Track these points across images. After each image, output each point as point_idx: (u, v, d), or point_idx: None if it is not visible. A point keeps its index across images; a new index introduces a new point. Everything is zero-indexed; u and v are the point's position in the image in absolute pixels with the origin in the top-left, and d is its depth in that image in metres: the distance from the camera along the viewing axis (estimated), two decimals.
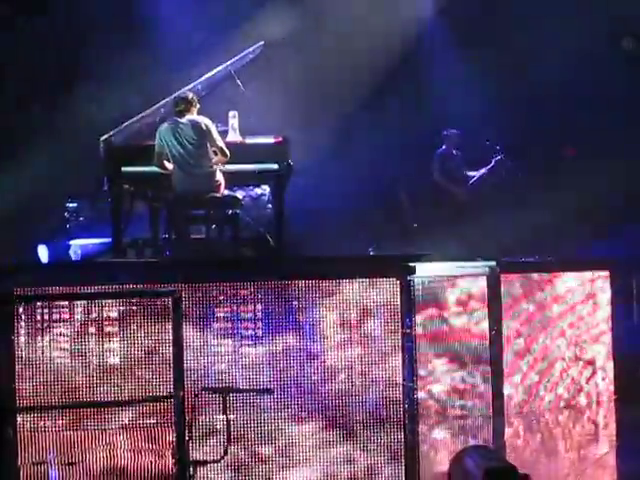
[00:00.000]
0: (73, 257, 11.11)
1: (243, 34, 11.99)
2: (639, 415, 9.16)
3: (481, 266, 9.86)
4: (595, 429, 9.17)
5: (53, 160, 11.83)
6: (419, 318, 8.05)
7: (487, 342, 9.45)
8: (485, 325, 9.36)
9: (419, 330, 8.19)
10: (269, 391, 7.04)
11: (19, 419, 6.87)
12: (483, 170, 13.03)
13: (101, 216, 11.50)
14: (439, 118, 13.41)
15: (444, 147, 13.10)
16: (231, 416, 6.74)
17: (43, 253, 11.53)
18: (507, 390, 9.38)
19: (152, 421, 7.00)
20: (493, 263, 9.74)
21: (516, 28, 13.50)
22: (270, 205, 10.45)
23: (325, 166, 12.43)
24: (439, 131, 13.18)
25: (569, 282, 9.81)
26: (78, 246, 11.23)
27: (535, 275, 9.66)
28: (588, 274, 9.89)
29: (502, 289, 9.23)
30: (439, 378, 9.38)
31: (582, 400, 9.69)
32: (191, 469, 6.51)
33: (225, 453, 6.80)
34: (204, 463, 6.84)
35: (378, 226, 13.05)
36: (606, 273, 9.93)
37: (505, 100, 13.41)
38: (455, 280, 9.40)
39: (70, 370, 6.97)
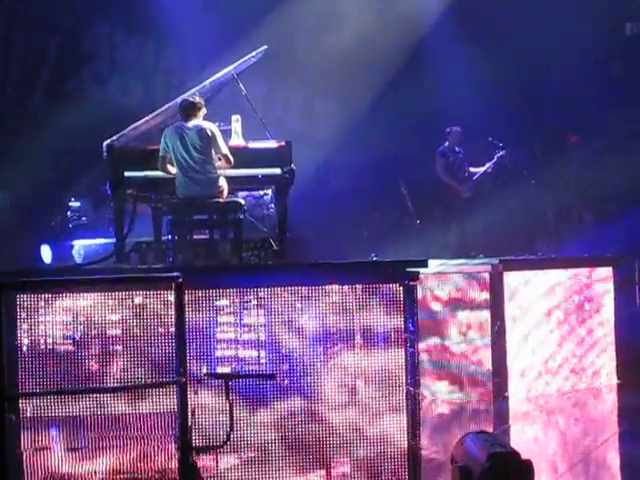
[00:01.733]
0: (76, 258, 11.12)
1: (251, 36, 12.08)
2: None
3: (483, 263, 9.94)
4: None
5: (55, 158, 11.84)
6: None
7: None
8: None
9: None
10: (272, 376, 7.00)
11: (21, 405, 6.84)
12: (486, 166, 13.13)
13: (104, 216, 11.55)
14: (442, 114, 13.50)
15: (446, 144, 13.16)
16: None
17: (46, 253, 11.54)
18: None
19: (155, 407, 6.96)
20: (495, 260, 9.81)
21: (521, 22, 13.65)
22: (272, 205, 10.48)
23: (327, 162, 12.45)
24: (442, 127, 13.23)
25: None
26: (81, 247, 11.24)
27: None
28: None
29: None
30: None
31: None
32: (194, 455, 6.46)
33: (228, 439, 6.75)
34: (207, 449, 6.78)
35: (380, 224, 13.07)
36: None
37: (508, 92, 13.52)
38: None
39: (73, 356, 6.96)
